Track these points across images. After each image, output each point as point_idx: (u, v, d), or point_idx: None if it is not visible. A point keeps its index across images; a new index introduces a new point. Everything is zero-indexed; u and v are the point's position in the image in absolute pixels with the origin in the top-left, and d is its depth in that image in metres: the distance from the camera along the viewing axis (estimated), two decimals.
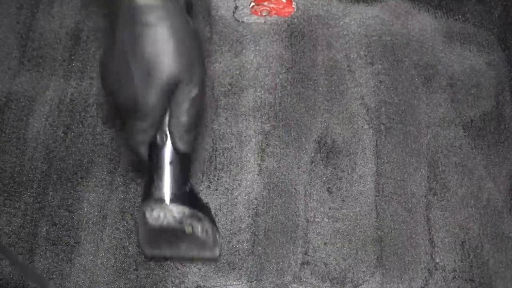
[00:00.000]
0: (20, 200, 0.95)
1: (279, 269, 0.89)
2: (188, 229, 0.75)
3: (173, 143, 0.72)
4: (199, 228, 0.76)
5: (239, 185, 0.94)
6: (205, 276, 0.89)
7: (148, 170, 0.75)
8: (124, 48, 0.68)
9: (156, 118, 0.70)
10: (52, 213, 0.94)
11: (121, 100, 0.70)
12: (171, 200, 0.74)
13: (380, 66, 1.03)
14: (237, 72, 1.03)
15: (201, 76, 0.71)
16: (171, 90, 0.69)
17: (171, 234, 0.76)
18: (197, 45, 0.71)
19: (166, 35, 0.68)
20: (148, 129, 0.71)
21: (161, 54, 0.68)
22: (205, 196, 0.94)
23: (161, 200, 0.73)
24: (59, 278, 0.89)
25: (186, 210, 0.75)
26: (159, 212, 0.74)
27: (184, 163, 0.76)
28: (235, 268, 0.89)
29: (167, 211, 0.74)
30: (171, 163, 0.74)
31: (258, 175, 0.95)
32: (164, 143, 0.73)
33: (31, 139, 1.00)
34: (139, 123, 0.70)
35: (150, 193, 0.73)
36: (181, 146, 0.72)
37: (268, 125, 0.99)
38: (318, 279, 0.88)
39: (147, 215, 0.74)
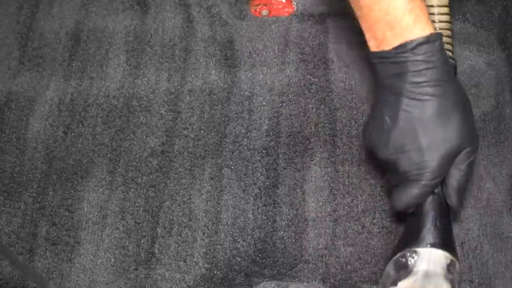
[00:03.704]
0: (20, 200, 0.95)
1: (278, 268, 0.89)
2: (449, 277, 0.78)
3: (447, 197, 0.79)
4: (457, 277, 0.80)
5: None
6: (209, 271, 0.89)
7: (417, 216, 0.80)
8: (412, 118, 0.74)
9: (441, 178, 0.77)
10: (52, 213, 0.94)
11: (405, 165, 0.76)
12: (441, 246, 0.78)
13: None
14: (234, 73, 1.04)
15: (478, 143, 0.78)
16: (456, 156, 0.76)
17: (432, 279, 0.77)
18: (471, 110, 0.78)
19: (451, 105, 0.74)
20: (432, 187, 0.77)
21: (450, 123, 0.74)
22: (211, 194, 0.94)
23: (433, 244, 0.78)
24: (59, 278, 0.90)
25: (451, 258, 0.78)
26: (429, 255, 0.78)
27: (450, 215, 0.81)
28: (234, 266, 0.89)
29: (437, 256, 0.78)
30: (443, 212, 0.80)
31: (263, 174, 0.95)
32: (440, 195, 0.79)
33: (31, 139, 1.00)
34: (424, 183, 0.76)
35: (420, 237, 0.78)
36: (454, 201, 0.79)
37: (267, 124, 0.99)
38: (319, 279, 0.88)
39: (413, 258, 0.78)
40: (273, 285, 0.88)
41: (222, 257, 0.90)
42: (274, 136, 0.99)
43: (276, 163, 0.97)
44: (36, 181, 0.97)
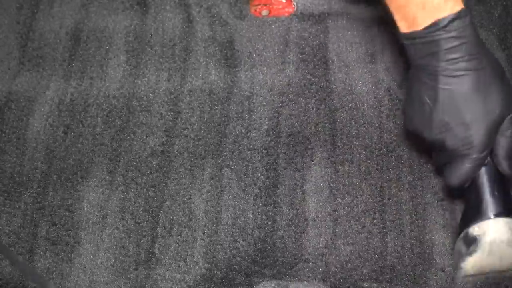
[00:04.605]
0: (20, 200, 0.95)
1: (278, 267, 0.89)
2: None
3: (498, 165, 0.79)
4: None
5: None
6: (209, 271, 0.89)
7: (474, 190, 0.81)
8: (452, 95, 0.74)
9: (489, 149, 0.77)
10: (52, 213, 0.94)
11: (452, 142, 0.76)
12: (504, 214, 0.79)
13: (379, 66, 1.03)
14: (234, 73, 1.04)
15: None
16: (500, 124, 0.76)
17: (502, 249, 0.80)
18: (508, 77, 0.78)
19: (489, 77, 0.74)
20: (482, 159, 0.77)
21: (489, 95, 0.74)
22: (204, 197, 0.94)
23: (497, 215, 0.79)
24: (59, 278, 0.89)
25: None
26: (495, 226, 0.79)
27: (505, 181, 0.81)
28: (234, 266, 0.89)
29: (503, 225, 0.79)
30: (498, 180, 0.80)
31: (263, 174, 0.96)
32: (492, 165, 0.79)
33: (31, 139, 1.00)
34: (474, 156, 0.76)
35: (482, 211, 0.80)
36: (506, 168, 0.79)
37: (267, 124, 0.99)
38: (319, 278, 0.88)
39: (480, 232, 0.80)
40: (273, 285, 0.88)
41: (222, 257, 0.90)
42: (274, 136, 0.99)
43: (276, 163, 0.97)
44: (36, 181, 0.97)
